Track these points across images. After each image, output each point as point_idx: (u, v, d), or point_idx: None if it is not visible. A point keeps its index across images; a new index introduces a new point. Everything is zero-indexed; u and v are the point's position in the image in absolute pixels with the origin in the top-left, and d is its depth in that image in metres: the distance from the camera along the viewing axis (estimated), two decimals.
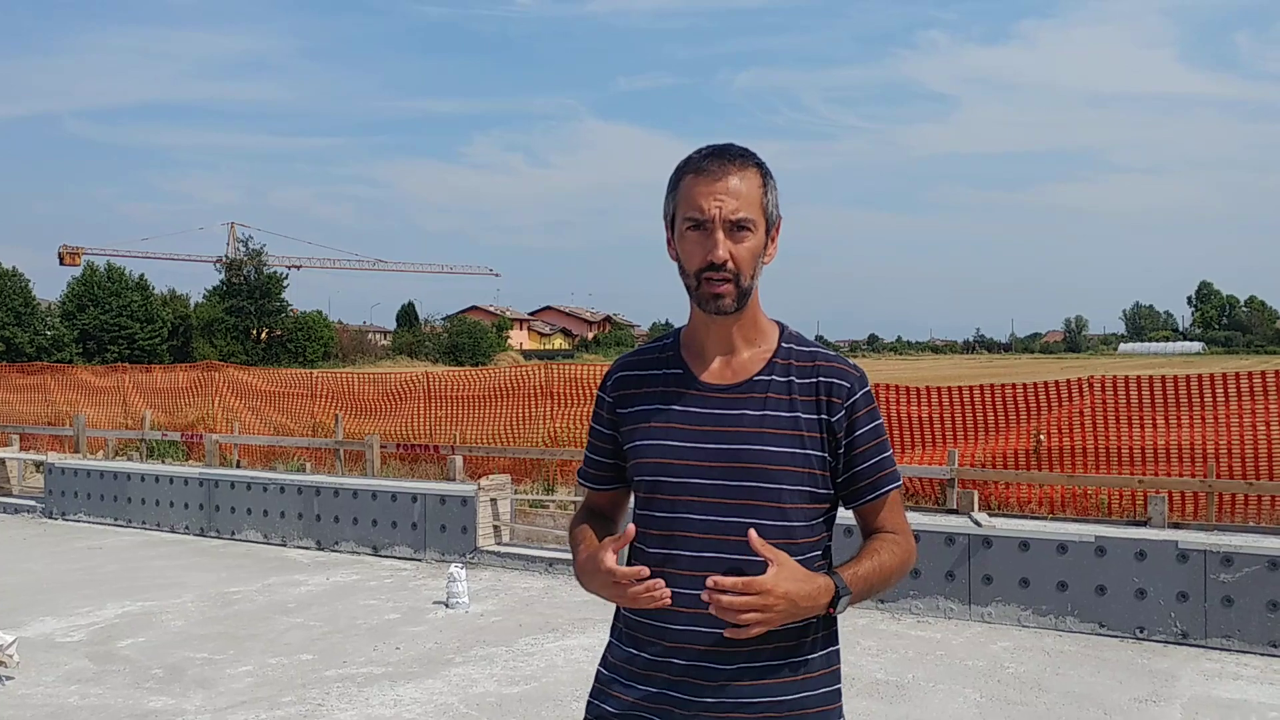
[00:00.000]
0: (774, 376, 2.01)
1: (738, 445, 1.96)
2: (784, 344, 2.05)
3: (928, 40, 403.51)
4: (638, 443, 2.05)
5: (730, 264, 1.94)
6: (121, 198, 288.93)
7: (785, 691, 1.96)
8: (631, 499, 2.16)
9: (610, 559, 1.92)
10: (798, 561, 1.91)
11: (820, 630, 2.00)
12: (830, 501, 2.03)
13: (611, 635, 2.12)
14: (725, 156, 1.97)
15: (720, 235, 1.94)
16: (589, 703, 2.10)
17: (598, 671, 2.12)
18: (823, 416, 1.98)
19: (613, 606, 2.07)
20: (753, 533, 1.85)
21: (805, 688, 1.97)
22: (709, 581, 1.81)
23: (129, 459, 15.84)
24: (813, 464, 1.97)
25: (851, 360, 2.06)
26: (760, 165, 1.99)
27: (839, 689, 2.04)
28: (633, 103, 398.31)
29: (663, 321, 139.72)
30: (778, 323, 2.09)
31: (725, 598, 1.80)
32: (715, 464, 1.97)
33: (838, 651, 2.05)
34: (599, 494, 2.21)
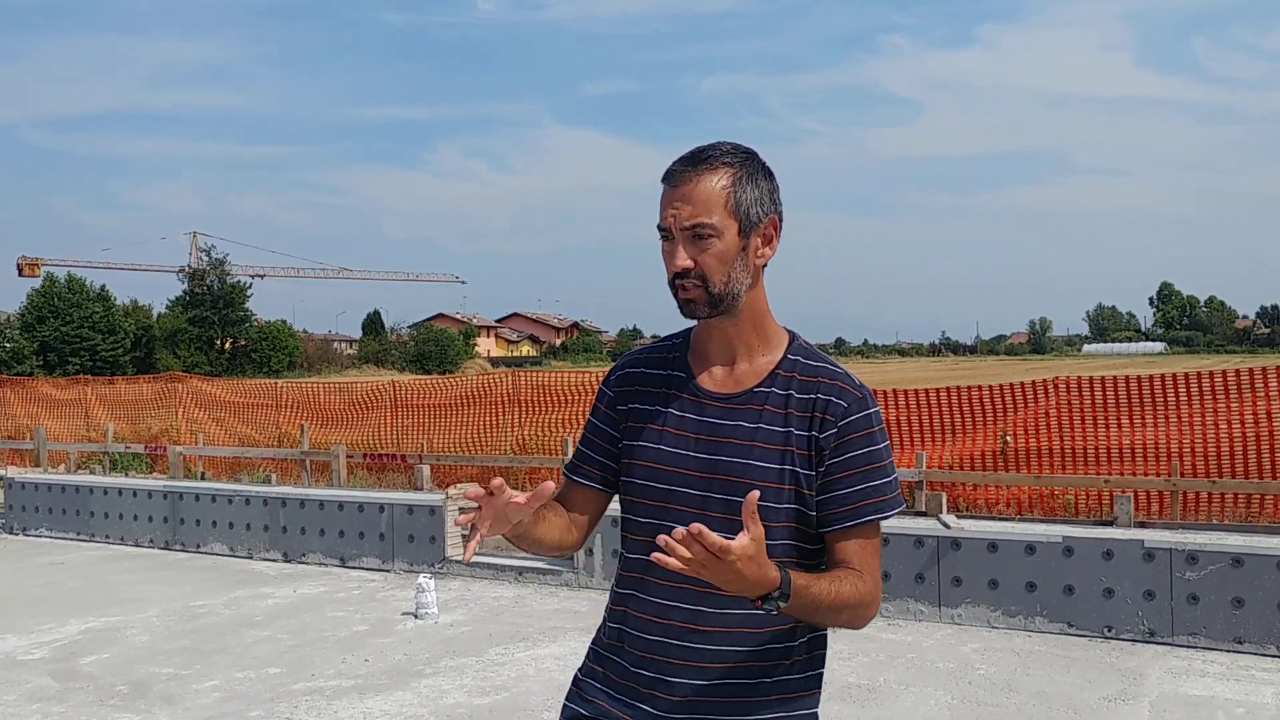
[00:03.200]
0: (773, 389, 1.94)
1: (726, 457, 1.91)
2: (790, 355, 1.97)
3: (890, 45, 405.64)
4: (631, 443, 2.01)
5: (694, 271, 1.89)
6: (81, 208, 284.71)
7: (760, 711, 1.92)
8: (601, 505, 2.08)
9: (519, 495, 1.76)
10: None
11: (803, 653, 1.95)
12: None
13: (593, 640, 2.10)
14: (694, 160, 1.91)
15: (679, 244, 1.90)
16: (564, 705, 2.08)
17: (575, 675, 2.10)
18: (814, 434, 1.90)
19: (590, 617, 2.04)
20: (754, 495, 1.65)
21: (782, 709, 1.93)
22: (693, 528, 1.59)
23: (91, 472, 15.64)
24: (800, 482, 1.90)
25: (859, 380, 1.96)
26: (734, 163, 1.91)
27: (816, 713, 1.99)
28: (597, 109, 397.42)
29: (630, 328, 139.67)
30: (789, 332, 2.02)
31: (685, 549, 1.61)
32: (702, 474, 1.92)
33: (820, 675, 1.99)
34: (575, 489, 2.06)
